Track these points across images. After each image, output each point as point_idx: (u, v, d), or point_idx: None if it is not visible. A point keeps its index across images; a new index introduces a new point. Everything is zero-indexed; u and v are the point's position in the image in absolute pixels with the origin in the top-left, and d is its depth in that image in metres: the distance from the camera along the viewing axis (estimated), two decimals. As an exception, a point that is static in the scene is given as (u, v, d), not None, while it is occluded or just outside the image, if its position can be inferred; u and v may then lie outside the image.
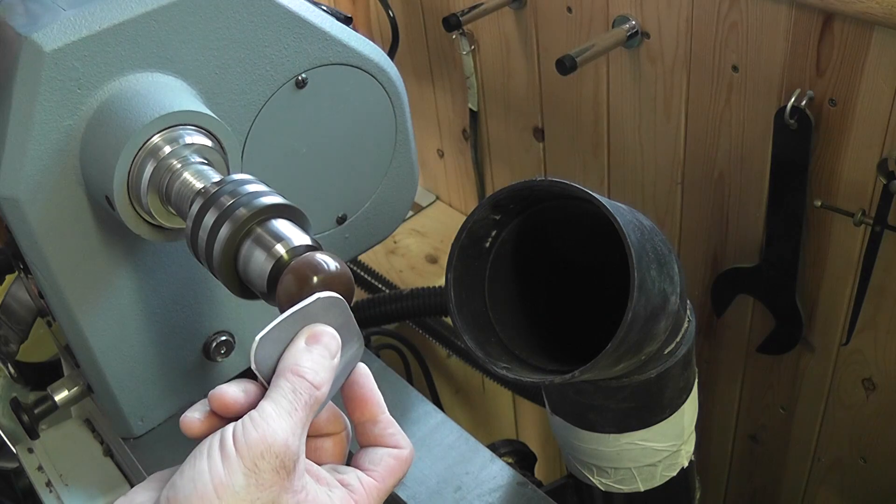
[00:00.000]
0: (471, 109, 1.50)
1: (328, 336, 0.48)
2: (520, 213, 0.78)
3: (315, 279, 0.50)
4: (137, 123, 0.60)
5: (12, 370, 1.00)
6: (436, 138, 1.66)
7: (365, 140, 0.83)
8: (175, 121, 0.61)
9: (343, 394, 0.52)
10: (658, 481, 0.90)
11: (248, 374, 0.49)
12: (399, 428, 0.52)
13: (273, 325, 0.48)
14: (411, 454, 0.51)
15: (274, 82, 0.74)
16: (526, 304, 0.83)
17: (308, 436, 0.47)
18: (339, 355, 0.48)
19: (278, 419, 0.43)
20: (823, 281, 1.14)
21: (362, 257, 1.52)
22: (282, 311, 0.49)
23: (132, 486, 0.86)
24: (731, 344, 1.33)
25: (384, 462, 0.50)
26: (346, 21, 0.80)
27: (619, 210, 0.70)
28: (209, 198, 0.56)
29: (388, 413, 0.52)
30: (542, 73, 1.34)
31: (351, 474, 0.49)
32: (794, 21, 0.98)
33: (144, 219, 0.63)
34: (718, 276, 1.24)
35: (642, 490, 0.89)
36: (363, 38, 0.79)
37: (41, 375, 1.00)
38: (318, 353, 0.47)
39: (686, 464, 0.92)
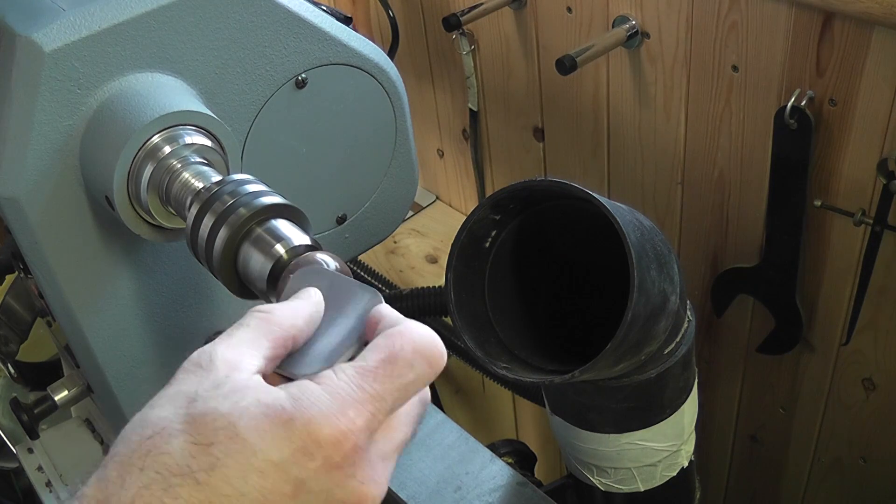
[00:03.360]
0: (471, 109, 1.49)
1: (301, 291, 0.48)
2: (520, 213, 0.78)
3: None
4: (137, 123, 0.60)
5: (12, 370, 1.00)
6: (436, 138, 1.66)
7: (365, 140, 0.83)
8: (175, 121, 0.61)
9: None
10: (658, 481, 0.90)
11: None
12: (399, 316, 0.46)
13: None
14: (407, 330, 0.44)
15: (274, 82, 0.74)
16: (526, 304, 0.83)
17: None
18: (315, 297, 0.47)
19: (213, 342, 0.46)
20: (823, 281, 1.14)
21: (362, 257, 1.52)
22: None
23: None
24: (731, 344, 1.33)
25: (368, 346, 0.45)
26: (346, 21, 0.80)
27: (619, 210, 0.70)
28: (209, 198, 0.56)
29: (392, 315, 0.46)
30: (542, 73, 1.33)
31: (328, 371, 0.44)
32: (794, 21, 0.98)
33: (144, 219, 0.63)
34: (718, 276, 1.24)
35: (642, 490, 0.89)
36: (363, 38, 0.79)
37: (41, 375, 1.00)
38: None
39: (686, 464, 0.92)
